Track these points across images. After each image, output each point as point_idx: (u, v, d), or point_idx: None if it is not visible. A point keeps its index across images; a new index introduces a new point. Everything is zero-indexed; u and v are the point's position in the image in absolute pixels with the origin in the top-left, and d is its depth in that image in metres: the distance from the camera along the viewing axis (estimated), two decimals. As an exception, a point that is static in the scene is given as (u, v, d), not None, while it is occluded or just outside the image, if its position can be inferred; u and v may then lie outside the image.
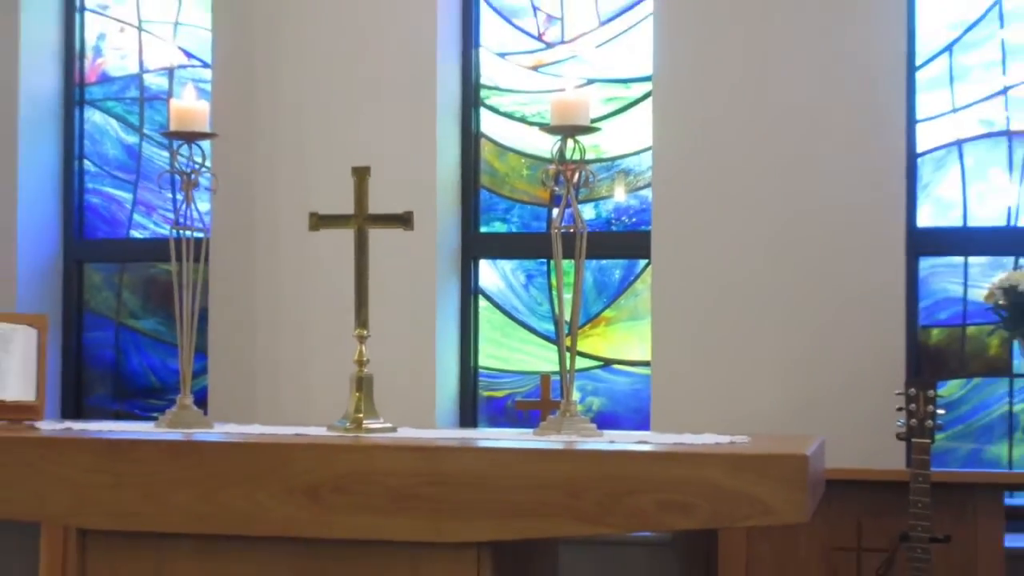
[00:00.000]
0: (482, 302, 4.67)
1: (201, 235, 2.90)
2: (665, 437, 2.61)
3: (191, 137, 2.86)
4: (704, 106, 4.28)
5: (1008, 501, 3.82)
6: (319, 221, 2.81)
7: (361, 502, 2.35)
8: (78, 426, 2.86)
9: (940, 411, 3.45)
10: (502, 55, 4.71)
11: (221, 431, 2.78)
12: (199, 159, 2.87)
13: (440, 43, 4.52)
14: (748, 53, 4.26)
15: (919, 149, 4.30)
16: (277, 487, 2.39)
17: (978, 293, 4.18)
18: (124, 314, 5.02)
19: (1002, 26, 4.28)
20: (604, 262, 4.58)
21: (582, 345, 4.52)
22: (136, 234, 5.02)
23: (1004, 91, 4.28)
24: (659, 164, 4.32)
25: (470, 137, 4.67)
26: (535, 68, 4.69)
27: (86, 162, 5.06)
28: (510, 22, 4.71)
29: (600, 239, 4.46)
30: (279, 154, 4.60)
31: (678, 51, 4.31)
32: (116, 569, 2.50)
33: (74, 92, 5.03)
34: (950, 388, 4.24)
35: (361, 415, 2.69)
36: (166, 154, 4.91)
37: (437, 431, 2.89)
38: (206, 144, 2.88)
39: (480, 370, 4.65)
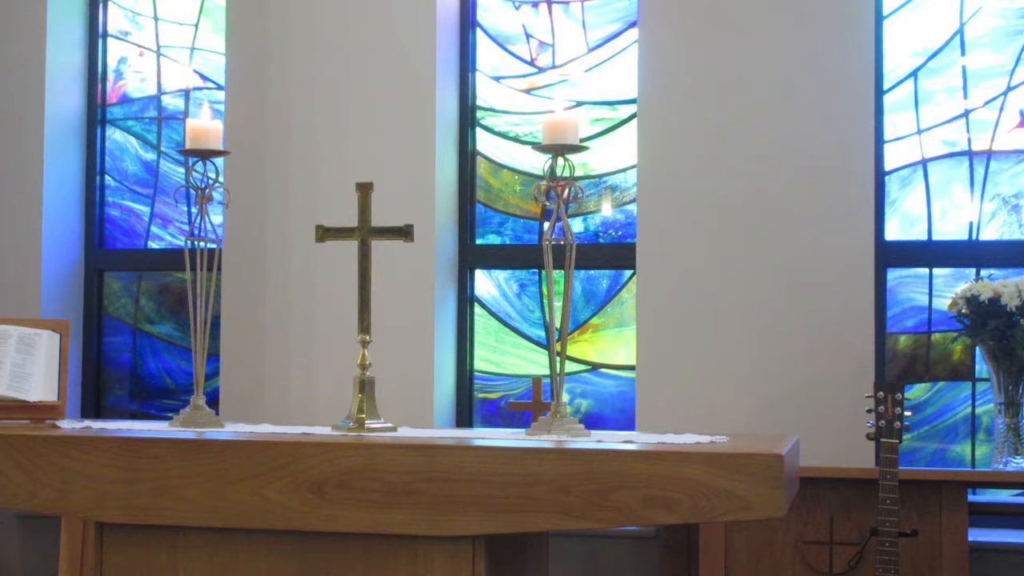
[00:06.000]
0: (477, 309, 4.66)
1: (214, 246, 2.89)
2: (649, 437, 2.59)
3: (205, 154, 2.85)
4: (685, 127, 4.28)
5: (971, 498, 3.81)
6: (325, 233, 2.80)
7: (363, 497, 2.34)
8: (97, 425, 2.84)
9: (907, 413, 3.44)
10: (497, 79, 4.70)
11: (232, 430, 2.76)
12: (213, 175, 2.86)
13: (439, 67, 4.52)
14: (727, 78, 4.26)
15: (887, 167, 4.30)
16: (284, 483, 2.38)
17: (942, 302, 4.18)
18: (141, 320, 5.00)
19: (963, 53, 4.28)
20: (592, 272, 4.57)
21: (571, 350, 4.51)
22: (153, 245, 5.00)
23: (965, 114, 4.28)
24: (643, 181, 4.32)
25: (466, 155, 4.66)
26: (527, 91, 4.68)
27: (107, 177, 5.04)
28: (504, 48, 4.70)
29: (588, 251, 4.46)
30: (288, 170, 4.59)
31: (661, 75, 4.31)
32: (132, 560, 2.49)
33: (96, 112, 5.02)
34: (916, 391, 4.23)
35: (363, 415, 2.68)
36: (182, 170, 4.92)
37: (435, 431, 2.88)
38: (219, 161, 2.88)
39: (475, 373, 4.64)
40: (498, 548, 2.40)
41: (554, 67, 4.66)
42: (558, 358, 2.62)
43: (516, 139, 4.67)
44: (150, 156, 5.02)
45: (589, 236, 4.59)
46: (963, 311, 3.84)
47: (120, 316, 5.02)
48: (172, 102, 5.01)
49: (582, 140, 2.64)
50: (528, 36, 4.69)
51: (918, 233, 4.29)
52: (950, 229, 4.28)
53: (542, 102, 4.62)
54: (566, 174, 2.60)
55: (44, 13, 4.84)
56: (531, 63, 4.69)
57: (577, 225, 4.57)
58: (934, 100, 4.30)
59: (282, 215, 4.57)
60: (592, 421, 4.40)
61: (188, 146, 2.85)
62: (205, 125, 2.85)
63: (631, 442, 2.47)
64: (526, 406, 3.65)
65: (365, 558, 2.39)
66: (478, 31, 4.70)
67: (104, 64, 5.05)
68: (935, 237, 4.28)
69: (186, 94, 4.98)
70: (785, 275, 4.17)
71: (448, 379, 4.54)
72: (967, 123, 4.27)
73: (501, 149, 4.69)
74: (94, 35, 5.03)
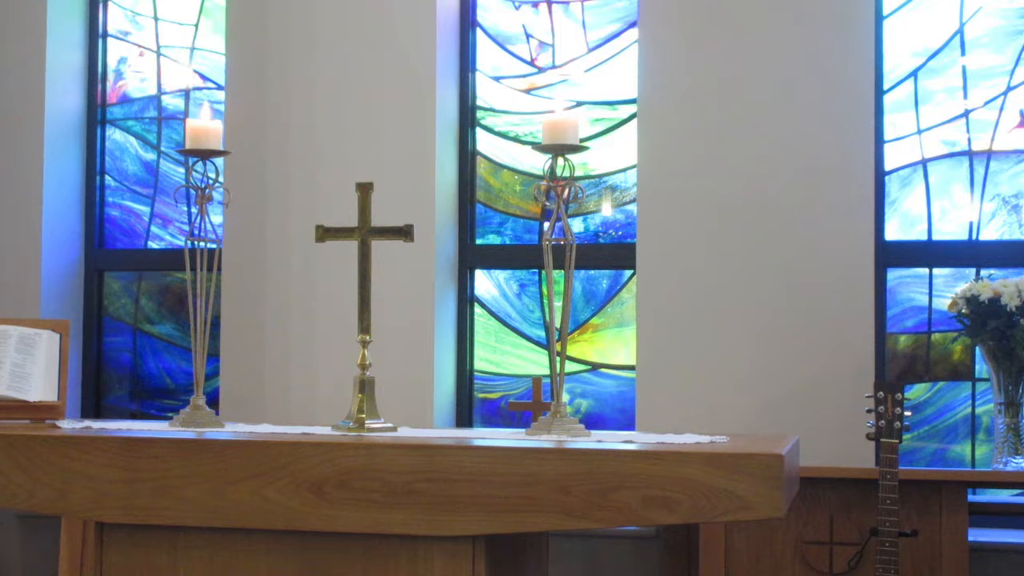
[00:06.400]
0: (477, 309, 4.66)
1: (214, 246, 2.89)
2: (649, 437, 2.59)
3: (205, 154, 2.85)
4: (685, 127, 4.28)
5: (971, 498, 3.81)
6: (325, 233, 2.80)
7: (363, 497, 2.34)
8: (97, 425, 2.84)
9: (907, 413, 3.44)
10: (497, 79, 4.70)
11: (232, 430, 2.76)
12: (213, 175, 2.87)
13: (439, 67, 4.52)
14: (727, 78, 4.26)
15: (887, 167, 4.30)
16: (284, 483, 2.38)
17: (942, 302, 4.18)
18: (141, 320, 5.00)
19: (963, 53, 4.28)
20: (592, 272, 4.57)
21: (571, 350, 4.51)
22: (153, 245, 5.00)
23: (965, 114, 4.28)
24: (643, 181, 4.32)
25: (466, 155, 4.66)
26: (527, 91, 4.68)
27: (107, 177, 5.04)
28: (504, 48, 4.70)
29: (588, 251, 4.46)
30: (288, 170, 4.59)
31: (661, 75, 4.31)
32: (132, 560, 2.49)
33: (96, 112, 5.02)
34: (916, 391, 4.23)
35: (363, 415, 2.68)
36: (182, 170, 4.92)
37: (435, 431, 2.88)
38: (219, 161, 2.87)
39: (475, 373, 4.64)
40: (498, 548, 2.40)
41: (554, 67, 4.66)
42: (558, 358, 2.62)
43: (516, 139, 4.67)
44: (150, 156, 5.02)
45: (589, 236, 4.59)
46: (963, 311, 3.84)
47: (120, 316, 5.02)
48: (172, 102, 5.01)
49: (582, 140, 2.64)
50: (528, 36, 4.69)
51: (918, 233, 4.29)
52: (950, 229, 4.28)
53: (542, 102, 4.62)
54: (566, 174, 2.60)
55: (44, 13, 4.84)
56: (531, 63, 4.68)
57: (577, 225, 4.57)
58: (934, 100, 4.30)
59: (282, 215, 4.57)
60: (592, 421, 4.40)
61: (188, 146, 2.85)
62: (205, 125, 2.85)
63: (631, 442, 2.47)
64: (526, 406, 3.65)
65: (365, 558, 2.39)
66: (478, 31, 4.70)
67: (104, 64, 5.05)
68: (935, 237, 4.28)
69: (186, 94, 4.98)
70: (785, 275, 4.17)
71: (448, 379, 4.54)
72: (967, 123, 4.27)
73: (501, 149, 4.69)
74: (94, 35, 5.03)
